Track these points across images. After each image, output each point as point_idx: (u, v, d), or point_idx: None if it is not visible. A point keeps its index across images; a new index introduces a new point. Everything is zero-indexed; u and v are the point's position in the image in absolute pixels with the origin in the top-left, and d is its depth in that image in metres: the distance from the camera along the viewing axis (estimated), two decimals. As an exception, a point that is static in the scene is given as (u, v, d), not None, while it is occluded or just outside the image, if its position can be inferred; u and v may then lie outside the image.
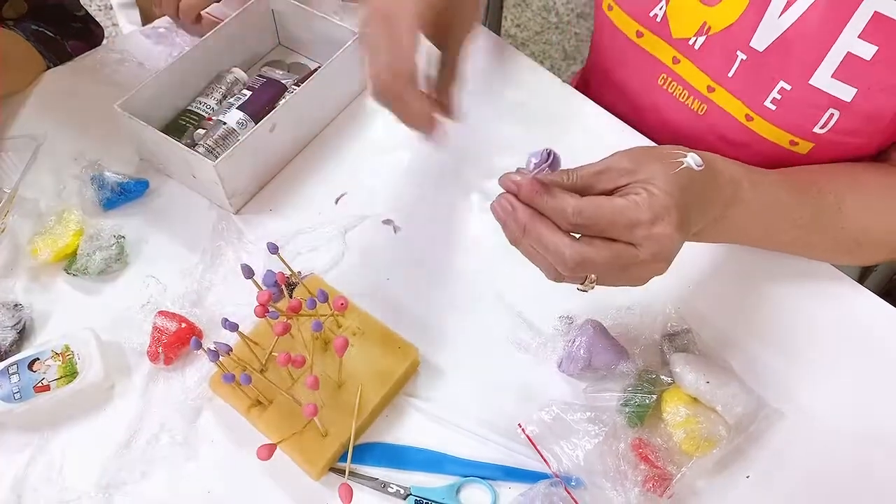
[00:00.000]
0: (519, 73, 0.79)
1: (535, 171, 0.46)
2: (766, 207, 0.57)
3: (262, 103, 0.71)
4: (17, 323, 0.59)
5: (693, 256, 0.65)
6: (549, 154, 0.46)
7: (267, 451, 0.49)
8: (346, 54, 0.71)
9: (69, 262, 0.63)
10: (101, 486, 0.53)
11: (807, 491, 0.54)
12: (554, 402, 0.55)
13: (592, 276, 0.47)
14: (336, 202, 0.69)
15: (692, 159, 0.49)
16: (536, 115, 0.76)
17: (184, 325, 0.59)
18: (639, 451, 0.52)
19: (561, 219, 0.45)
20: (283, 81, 0.74)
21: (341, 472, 0.53)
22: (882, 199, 0.61)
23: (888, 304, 0.63)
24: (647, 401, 0.54)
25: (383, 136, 0.74)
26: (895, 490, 0.54)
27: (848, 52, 0.56)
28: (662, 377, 0.55)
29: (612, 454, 0.53)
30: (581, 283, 0.48)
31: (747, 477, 0.54)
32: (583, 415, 0.55)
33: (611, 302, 0.61)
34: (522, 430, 0.55)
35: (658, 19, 0.66)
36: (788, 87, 0.60)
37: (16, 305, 0.60)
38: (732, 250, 0.65)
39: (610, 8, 0.70)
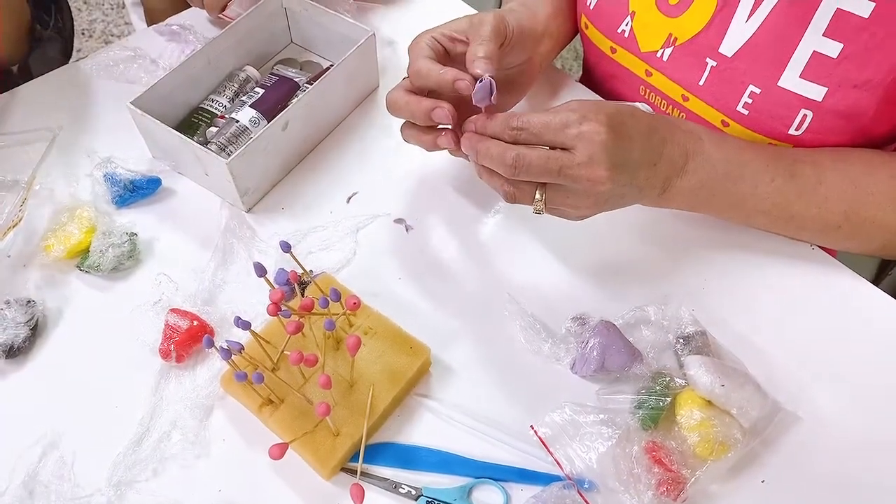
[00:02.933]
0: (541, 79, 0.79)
1: (486, 105, 0.53)
2: (730, 163, 0.58)
3: (274, 101, 0.71)
4: (30, 319, 0.59)
5: (706, 257, 0.64)
6: (490, 85, 0.53)
7: (279, 451, 0.48)
8: (358, 52, 0.71)
9: (82, 259, 0.63)
10: (112, 484, 0.53)
11: (823, 496, 0.53)
12: (567, 403, 0.55)
13: (538, 194, 0.53)
14: (348, 201, 0.69)
15: (641, 105, 0.55)
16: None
17: (196, 322, 0.59)
18: (652, 455, 0.52)
19: (503, 130, 0.52)
20: (296, 79, 0.74)
21: (353, 472, 0.53)
22: (865, 176, 0.60)
23: (905, 307, 0.62)
24: (661, 403, 0.54)
25: (395, 134, 0.73)
26: (913, 496, 0.53)
27: (814, 52, 0.56)
28: (676, 379, 0.55)
29: (625, 457, 0.52)
30: (532, 203, 0.54)
31: (762, 482, 0.53)
32: (596, 417, 0.54)
33: (624, 303, 0.60)
34: (535, 431, 0.55)
35: (626, 35, 0.67)
36: (758, 91, 0.60)
37: (28, 302, 0.60)
38: (744, 250, 0.64)
39: (586, 27, 0.71)
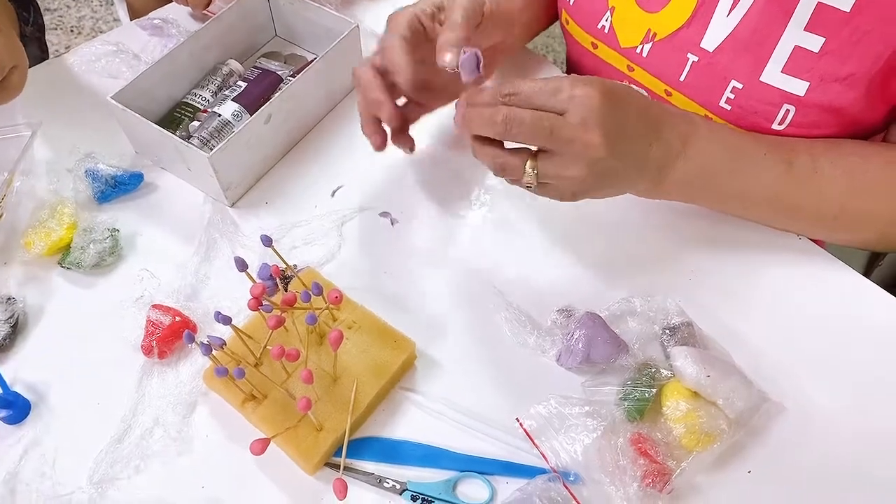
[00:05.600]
0: (521, 64, 0.78)
1: (473, 77, 0.53)
2: (728, 149, 0.57)
3: (257, 95, 0.70)
4: (11, 317, 0.59)
5: (693, 248, 0.64)
6: (474, 55, 0.52)
7: (260, 446, 0.48)
8: (342, 45, 0.70)
9: (63, 255, 0.63)
10: (94, 481, 0.52)
11: (808, 486, 0.53)
12: (552, 396, 0.55)
13: (528, 166, 0.51)
14: (332, 195, 0.69)
15: (636, 88, 0.55)
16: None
17: (178, 318, 0.58)
18: (638, 446, 0.51)
19: (494, 99, 0.51)
20: (279, 72, 0.73)
21: (336, 466, 0.52)
22: (860, 164, 0.59)
23: (893, 298, 0.62)
24: (647, 395, 0.53)
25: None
26: (899, 485, 0.53)
27: (796, 46, 0.56)
28: (662, 371, 0.55)
29: (610, 449, 0.52)
30: (523, 176, 0.52)
31: (748, 472, 0.53)
32: (581, 409, 0.54)
33: (610, 295, 0.60)
34: (520, 424, 0.55)
35: (606, 31, 0.67)
36: (740, 86, 0.59)
37: (9, 299, 0.60)
38: (731, 241, 0.64)
39: (567, 22, 0.71)
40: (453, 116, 0.54)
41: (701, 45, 0.60)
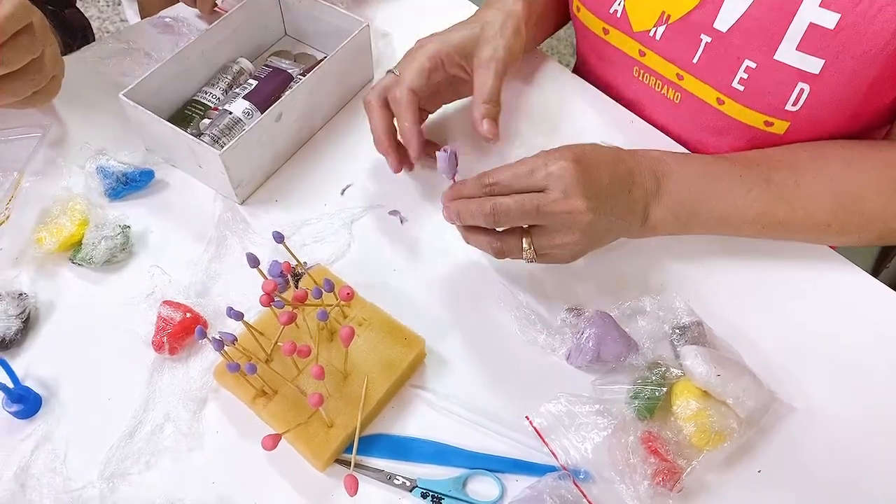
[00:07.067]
0: (529, 66, 0.78)
1: (452, 174, 0.57)
2: (701, 176, 0.60)
3: (268, 93, 0.71)
4: (22, 312, 0.59)
5: (704, 248, 0.64)
6: (453, 154, 0.56)
7: (271, 441, 0.48)
8: (352, 44, 0.71)
9: (74, 251, 0.63)
10: (105, 476, 0.52)
11: (818, 486, 0.53)
12: (562, 394, 0.55)
13: (524, 243, 0.55)
14: (342, 193, 0.69)
15: (601, 142, 0.58)
16: (547, 107, 0.75)
17: (189, 315, 0.58)
18: (648, 445, 0.52)
19: (477, 190, 0.54)
20: (290, 71, 0.74)
21: (347, 463, 0.52)
22: (845, 170, 0.60)
23: (902, 297, 0.62)
24: (657, 393, 0.53)
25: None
26: (909, 486, 0.53)
27: (811, 23, 0.55)
28: (672, 370, 0.55)
29: (621, 447, 0.52)
30: (522, 253, 0.55)
31: (758, 471, 0.53)
32: (591, 407, 0.54)
33: (620, 294, 0.60)
34: (530, 422, 0.55)
35: (618, 15, 0.67)
36: (754, 66, 0.59)
37: (21, 295, 0.60)
38: (741, 240, 0.64)
39: (578, 9, 0.71)
40: (444, 211, 0.57)
41: (714, 26, 0.60)
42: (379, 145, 0.65)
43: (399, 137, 0.65)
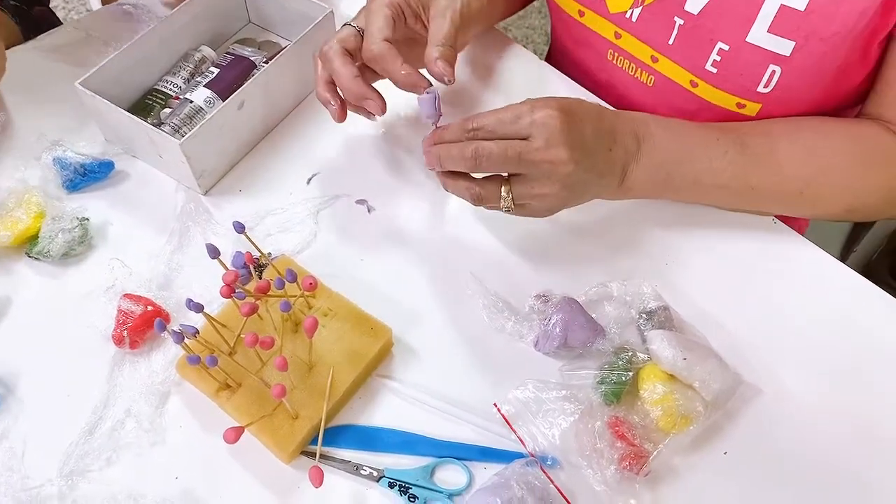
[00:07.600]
0: (500, 53, 0.78)
1: (435, 119, 0.56)
2: (679, 137, 0.59)
3: (230, 81, 0.69)
4: (-23, 308, 0.57)
5: (670, 233, 0.64)
6: (436, 97, 0.55)
7: (233, 434, 0.47)
8: (316, 30, 0.69)
9: (31, 245, 0.61)
10: (64, 474, 0.51)
11: (784, 467, 0.53)
12: (530, 380, 0.55)
13: (503, 191, 0.54)
14: (308, 182, 0.68)
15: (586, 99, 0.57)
16: (517, 97, 0.74)
17: (150, 308, 0.57)
18: (615, 429, 0.52)
19: (460, 135, 0.54)
20: (253, 58, 0.72)
21: (312, 455, 0.52)
22: (819, 141, 0.61)
23: (869, 282, 0.62)
24: (624, 378, 0.53)
25: (357, 114, 0.72)
26: (871, 466, 0.53)
27: (781, 5, 0.56)
28: (639, 354, 0.55)
29: (588, 432, 0.52)
30: (500, 201, 0.54)
31: (724, 453, 0.53)
32: (559, 393, 0.54)
33: (587, 280, 0.60)
34: (498, 409, 0.54)
35: None
36: (727, 48, 0.59)
37: (-25, 290, 0.58)
38: (708, 225, 0.64)
39: None
40: (425, 154, 0.56)
41: (685, 9, 0.60)
42: (349, 93, 0.59)
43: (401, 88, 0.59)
